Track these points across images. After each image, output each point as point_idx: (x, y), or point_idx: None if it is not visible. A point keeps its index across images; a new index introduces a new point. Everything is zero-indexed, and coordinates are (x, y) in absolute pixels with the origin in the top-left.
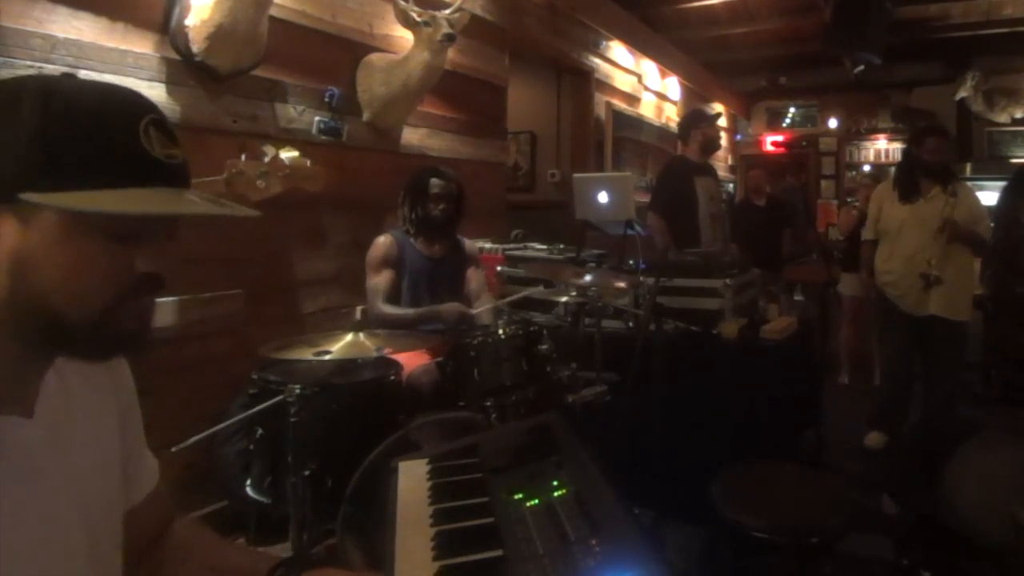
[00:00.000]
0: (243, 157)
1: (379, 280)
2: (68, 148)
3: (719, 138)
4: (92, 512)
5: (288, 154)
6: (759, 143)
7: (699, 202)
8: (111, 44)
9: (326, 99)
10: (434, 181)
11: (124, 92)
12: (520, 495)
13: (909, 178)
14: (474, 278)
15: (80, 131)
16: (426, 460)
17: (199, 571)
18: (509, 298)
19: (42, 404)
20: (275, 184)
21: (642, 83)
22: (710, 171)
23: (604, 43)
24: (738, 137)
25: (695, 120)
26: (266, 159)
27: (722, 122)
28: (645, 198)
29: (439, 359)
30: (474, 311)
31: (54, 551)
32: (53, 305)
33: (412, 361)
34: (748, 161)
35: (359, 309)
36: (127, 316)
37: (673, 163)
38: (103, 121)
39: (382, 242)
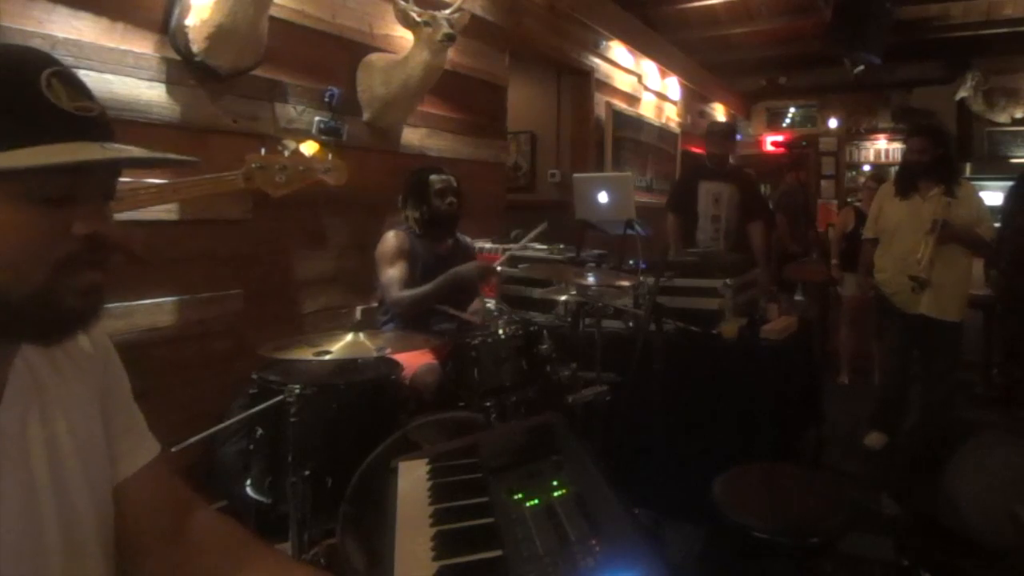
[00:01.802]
0: (263, 151)
1: (394, 272)
2: None
3: (711, 155)
4: (68, 494)
5: (308, 148)
6: (759, 143)
7: (699, 203)
8: (111, 44)
9: (326, 99)
10: (434, 177)
11: (18, 48)
12: (520, 495)
13: (907, 176)
14: None
15: None
16: (426, 460)
17: (222, 564)
18: (524, 240)
19: (10, 393)
20: (295, 178)
21: (642, 83)
22: (722, 175)
23: (604, 43)
24: (738, 137)
25: (708, 131)
26: (286, 153)
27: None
28: (645, 198)
29: (441, 360)
30: (497, 266)
31: (27, 546)
32: None
33: (416, 360)
34: (746, 161)
35: (359, 309)
36: (71, 289)
37: (688, 166)
38: (7, 81)
39: (393, 236)
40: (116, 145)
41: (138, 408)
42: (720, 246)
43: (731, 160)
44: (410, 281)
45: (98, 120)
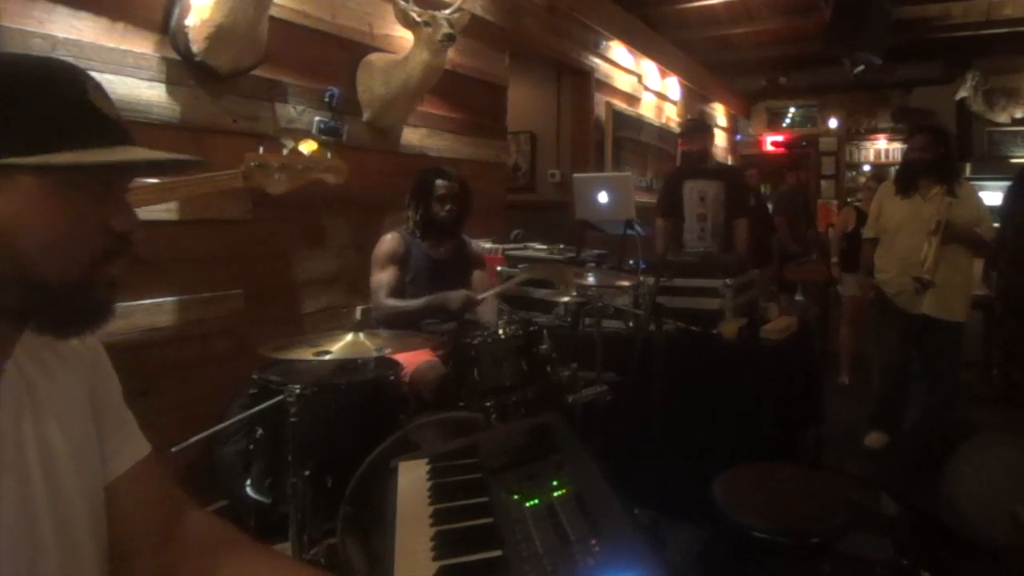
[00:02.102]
0: (261, 150)
1: (384, 276)
2: (31, 114)
3: (688, 152)
4: (62, 493)
5: (307, 147)
6: (759, 143)
7: (684, 203)
8: (111, 44)
9: (326, 99)
10: (439, 183)
11: (61, 62)
12: (520, 495)
13: (908, 175)
14: (478, 279)
15: (41, 98)
16: (426, 460)
17: (216, 564)
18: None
19: (2, 393)
20: (294, 177)
21: (642, 83)
22: (706, 173)
23: (604, 43)
24: (738, 137)
25: (682, 130)
26: (285, 151)
27: (719, 130)
28: (645, 198)
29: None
30: (479, 296)
31: (21, 541)
32: (37, 269)
33: (415, 359)
34: (747, 161)
35: (359, 309)
36: (101, 281)
37: (671, 169)
38: (56, 88)
39: (388, 239)
40: (143, 149)
41: (127, 408)
42: (707, 245)
43: (712, 155)
44: (399, 285)
45: (128, 126)
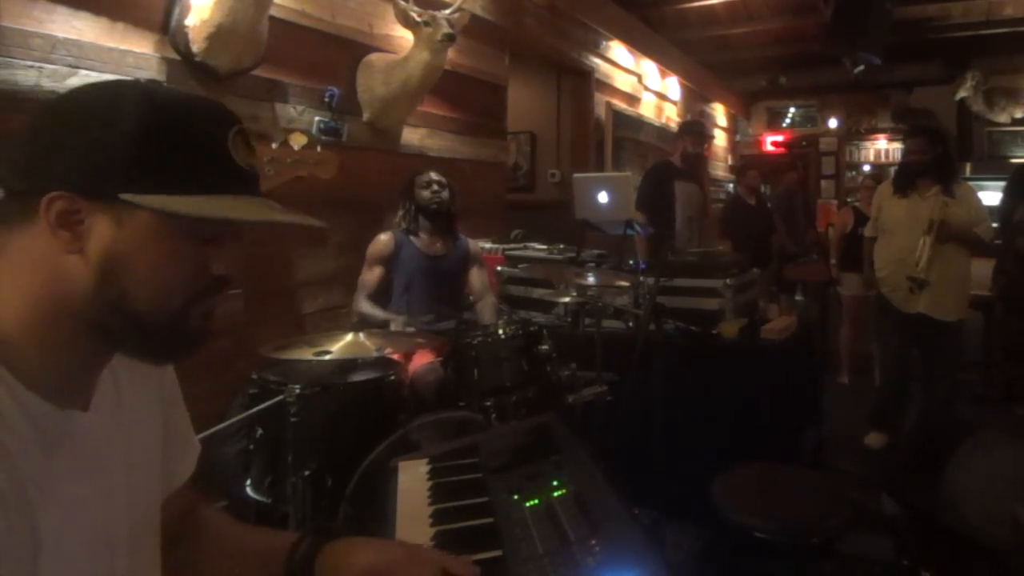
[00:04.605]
0: None
1: (368, 276)
2: (166, 154)
3: (697, 156)
4: (135, 502)
5: (298, 141)
6: (759, 143)
7: (677, 205)
8: (111, 44)
9: (326, 99)
10: (420, 178)
11: (213, 103)
12: (520, 495)
13: (905, 176)
14: (476, 277)
15: (178, 138)
16: (426, 460)
17: (215, 557)
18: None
19: (97, 397)
20: (284, 171)
21: (642, 83)
22: (694, 177)
23: (604, 43)
24: (738, 137)
25: (684, 130)
26: (274, 145)
27: (719, 131)
28: None
29: (442, 359)
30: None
31: (101, 542)
32: (135, 304)
33: (415, 360)
34: (747, 161)
35: None
36: (196, 317)
37: (658, 165)
38: (198, 130)
39: (381, 239)
40: (268, 202)
41: (187, 415)
42: (696, 248)
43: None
44: (383, 286)
45: (257, 177)
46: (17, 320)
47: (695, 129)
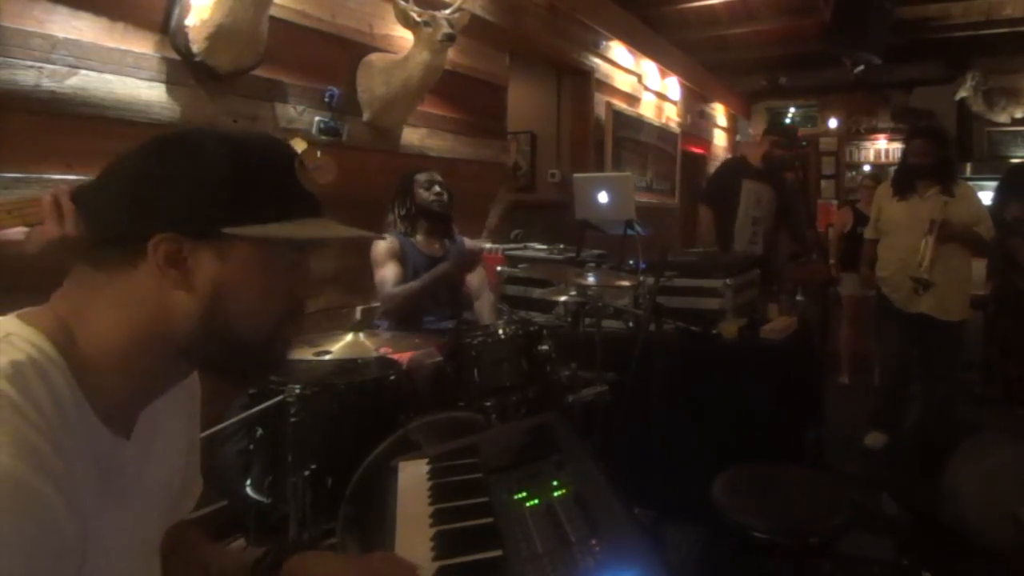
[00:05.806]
0: None
1: (386, 271)
2: (255, 188)
3: (782, 159)
4: (154, 528)
5: (297, 145)
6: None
7: (741, 204)
8: (111, 44)
9: (326, 99)
10: (419, 175)
11: (270, 137)
12: (520, 495)
13: (905, 178)
14: (475, 276)
15: (261, 173)
16: (426, 460)
17: (187, 565)
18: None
19: (138, 430)
20: None
21: (642, 83)
22: (765, 177)
23: (604, 43)
24: (738, 137)
25: (773, 130)
26: None
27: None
28: (645, 198)
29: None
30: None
31: (127, 568)
32: (238, 330)
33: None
34: None
35: (359, 309)
36: (280, 338)
37: (729, 161)
38: (274, 163)
39: (384, 241)
40: (333, 220)
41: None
42: (759, 249)
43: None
44: (403, 280)
45: (319, 198)
46: (105, 352)
47: (787, 132)
